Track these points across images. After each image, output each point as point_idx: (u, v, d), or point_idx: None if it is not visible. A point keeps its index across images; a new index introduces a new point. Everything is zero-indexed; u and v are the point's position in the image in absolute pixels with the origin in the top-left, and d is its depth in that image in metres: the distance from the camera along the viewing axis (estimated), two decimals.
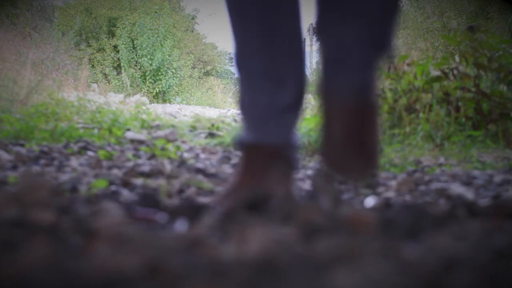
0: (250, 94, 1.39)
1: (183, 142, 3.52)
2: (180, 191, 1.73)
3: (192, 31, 21.87)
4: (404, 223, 0.98)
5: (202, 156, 2.90)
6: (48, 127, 3.27)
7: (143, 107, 5.10)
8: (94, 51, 17.32)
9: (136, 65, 16.52)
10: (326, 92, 1.35)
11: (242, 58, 1.39)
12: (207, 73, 21.58)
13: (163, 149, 2.78)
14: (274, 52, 1.36)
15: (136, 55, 16.57)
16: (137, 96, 7.93)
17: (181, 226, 1.07)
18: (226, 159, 2.72)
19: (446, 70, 3.87)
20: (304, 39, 1.43)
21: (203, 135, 3.88)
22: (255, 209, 1.18)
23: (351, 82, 1.32)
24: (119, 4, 18.40)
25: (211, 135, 3.86)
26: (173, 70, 16.88)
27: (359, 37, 1.30)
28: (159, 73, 16.66)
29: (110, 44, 17.49)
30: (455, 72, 3.84)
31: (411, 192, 1.82)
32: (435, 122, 3.60)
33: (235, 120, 4.66)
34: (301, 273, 0.70)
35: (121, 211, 1.08)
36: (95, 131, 3.49)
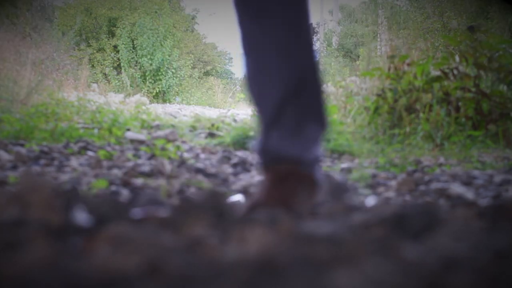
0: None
1: (183, 142, 3.52)
2: (180, 191, 1.73)
3: (192, 31, 21.87)
4: (404, 223, 0.98)
5: (202, 156, 2.90)
6: (48, 127, 3.27)
7: (143, 107, 5.10)
8: (94, 51, 17.31)
9: (136, 65, 16.53)
10: None
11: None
12: (207, 73, 21.58)
13: (163, 149, 2.78)
14: None
15: (136, 55, 16.58)
16: (137, 96, 7.94)
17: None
18: (226, 159, 2.72)
19: (446, 70, 3.87)
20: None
21: (203, 135, 3.87)
22: None
23: None
24: (119, 4, 18.39)
25: (211, 135, 3.85)
26: (173, 70, 16.88)
27: None
28: (159, 73, 16.66)
29: (110, 44, 17.49)
30: (455, 72, 3.84)
31: (411, 192, 1.82)
32: (435, 122, 3.59)
33: (235, 120, 4.66)
34: (301, 273, 0.69)
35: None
36: (95, 131, 3.49)
